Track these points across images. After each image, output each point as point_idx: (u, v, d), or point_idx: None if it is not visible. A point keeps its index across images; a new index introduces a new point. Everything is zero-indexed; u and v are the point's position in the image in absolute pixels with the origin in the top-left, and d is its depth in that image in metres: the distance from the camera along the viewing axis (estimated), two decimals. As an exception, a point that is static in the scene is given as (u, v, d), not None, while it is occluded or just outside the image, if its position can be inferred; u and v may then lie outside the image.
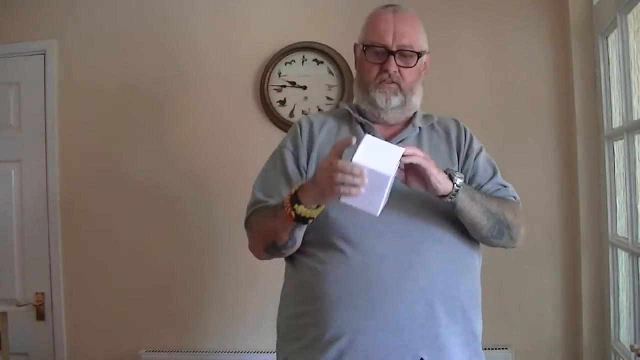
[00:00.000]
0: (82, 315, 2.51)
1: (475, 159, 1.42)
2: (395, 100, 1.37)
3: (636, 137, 1.82)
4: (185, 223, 2.46)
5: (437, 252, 1.30)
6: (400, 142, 1.38)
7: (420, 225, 1.30)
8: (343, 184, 1.10)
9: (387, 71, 1.35)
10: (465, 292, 1.33)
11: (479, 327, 1.38)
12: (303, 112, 2.38)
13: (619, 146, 2.01)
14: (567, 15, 2.21)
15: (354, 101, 1.49)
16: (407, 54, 1.36)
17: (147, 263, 2.48)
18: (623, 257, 2.00)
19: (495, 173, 1.45)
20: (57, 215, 2.52)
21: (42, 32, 2.54)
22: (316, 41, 2.38)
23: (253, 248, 1.40)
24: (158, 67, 2.49)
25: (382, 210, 1.16)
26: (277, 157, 1.44)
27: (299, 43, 2.39)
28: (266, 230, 1.31)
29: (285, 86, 2.42)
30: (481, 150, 1.46)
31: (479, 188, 1.39)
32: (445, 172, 1.25)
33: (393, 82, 1.36)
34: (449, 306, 1.29)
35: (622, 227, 2.02)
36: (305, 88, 2.41)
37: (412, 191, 1.26)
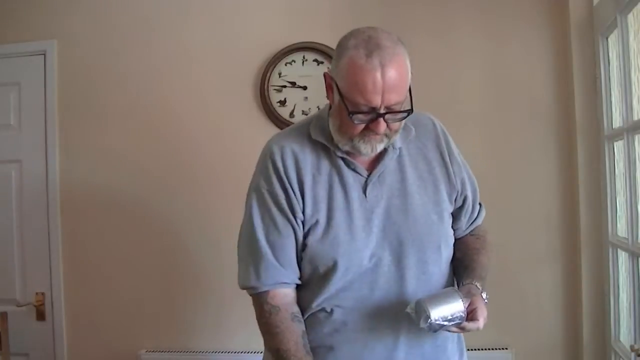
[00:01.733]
0: (82, 315, 2.51)
1: (458, 167, 1.39)
2: (381, 146, 1.26)
3: (636, 137, 1.82)
4: (185, 223, 2.46)
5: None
6: (380, 175, 1.31)
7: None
8: None
9: (374, 130, 1.21)
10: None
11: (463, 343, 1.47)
12: (303, 112, 2.38)
13: (619, 146, 2.01)
14: (567, 15, 2.21)
15: (329, 130, 1.32)
16: (395, 109, 1.20)
17: (147, 263, 2.48)
18: (623, 257, 2.00)
19: (473, 186, 1.42)
20: (57, 216, 2.52)
21: (42, 32, 2.54)
22: (316, 41, 2.38)
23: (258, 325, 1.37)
24: (158, 68, 2.49)
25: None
26: (271, 206, 1.30)
27: (299, 43, 2.39)
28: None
29: (285, 86, 2.42)
30: (458, 154, 1.42)
31: (463, 209, 1.41)
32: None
33: (379, 135, 1.24)
34: (439, 339, 1.34)
35: (622, 227, 2.02)
36: (305, 88, 2.41)
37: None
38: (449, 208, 1.36)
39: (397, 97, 1.18)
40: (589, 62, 2.17)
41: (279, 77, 2.42)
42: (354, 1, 2.39)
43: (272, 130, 2.38)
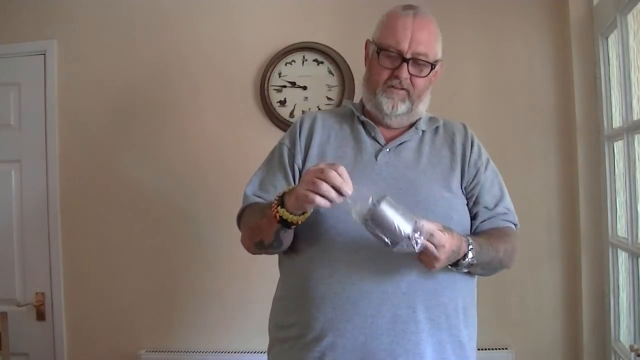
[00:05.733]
0: (82, 315, 2.51)
1: (484, 172, 1.39)
2: (402, 107, 1.34)
3: (636, 137, 1.82)
4: (185, 223, 2.46)
5: None
6: (400, 144, 1.37)
7: None
8: (321, 194, 1.09)
9: (397, 77, 1.31)
10: (451, 299, 1.30)
11: (467, 336, 1.33)
12: (303, 112, 2.38)
13: (619, 146, 2.01)
14: (567, 15, 2.21)
15: (360, 98, 1.46)
16: (420, 62, 1.32)
17: (147, 263, 2.48)
18: (623, 257, 2.00)
19: (502, 194, 1.41)
20: (57, 215, 2.52)
21: (42, 32, 2.54)
22: (316, 41, 2.38)
23: (243, 242, 1.39)
24: (158, 68, 2.48)
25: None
26: (275, 152, 1.44)
27: (299, 43, 2.39)
28: (255, 227, 1.31)
29: (285, 86, 2.42)
30: (488, 162, 1.43)
31: (485, 207, 1.37)
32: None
33: (402, 88, 1.33)
34: (431, 312, 1.26)
35: (622, 227, 2.02)
36: (305, 88, 2.41)
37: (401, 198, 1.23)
38: (460, 193, 1.35)
39: (424, 48, 1.31)
40: (589, 62, 2.17)
41: (279, 77, 2.42)
42: (354, 1, 2.39)
43: (272, 130, 2.38)
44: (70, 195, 2.53)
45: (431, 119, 1.43)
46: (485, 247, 1.28)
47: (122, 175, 2.50)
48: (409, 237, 1.10)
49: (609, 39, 2.08)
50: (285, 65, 2.41)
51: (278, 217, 1.19)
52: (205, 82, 2.46)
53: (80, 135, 2.53)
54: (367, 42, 1.41)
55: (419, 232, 1.11)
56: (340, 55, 2.35)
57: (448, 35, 2.33)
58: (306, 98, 2.41)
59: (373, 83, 1.35)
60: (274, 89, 2.42)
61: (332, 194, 1.10)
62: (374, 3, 2.37)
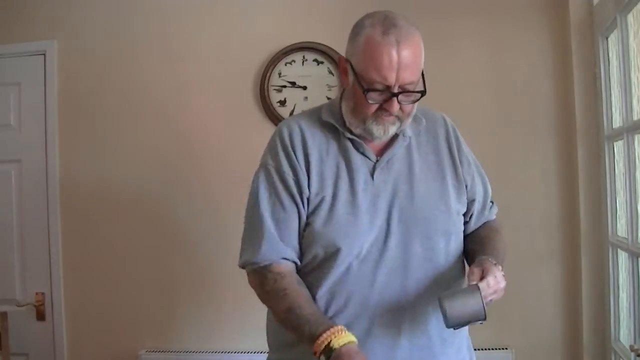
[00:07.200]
0: (82, 315, 2.51)
1: (468, 165, 1.39)
2: (393, 129, 1.28)
3: (636, 137, 1.82)
4: (185, 223, 2.46)
5: (431, 281, 1.29)
6: (389, 160, 1.33)
7: (418, 253, 1.29)
8: None
9: (387, 110, 1.24)
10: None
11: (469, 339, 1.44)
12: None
13: (619, 146, 2.01)
14: (567, 15, 2.21)
15: (341, 113, 1.34)
16: (409, 89, 1.23)
17: (146, 263, 2.48)
18: (623, 257, 2.00)
19: (485, 186, 1.43)
20: (57, 216, 2.52)
21: (42, 32, 2.54)
22: (316, 41, 2.38)
23: (259, 296, 1.34)
24: (158, 67, 2.49)
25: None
26: (278, 183, 1.31)
27: (299, 43, 2.39)
28: (284, 324, 1.27)
29: (285, 86, 2.42)
30: (468, 152, 1.43)
31: (475, 203, 1.40)
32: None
33: (392, 116, 1.26)
34: (443, 334, 1.30)
35: (622, 227, 2.02)
36: (305, 88, 2.41)
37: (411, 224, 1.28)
38: (455, 202, 1.35)
39: (411, 76, 1.21)
40: (589, 62, 2.17)
41: (279, 77, 2.42)
42: (353, 2, 2.38)
43: (272, 130, 2.36)
44: (70, 195, 2.53)
45: (414, 119, 1.35)
46: (501, 257, 1.32)
47: (122, 176, 2.50)
48: (483, 305, 1.15)
49: (609, 39, 2.08)
50: (285, 65, 2.41)
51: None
52: (205, 82, 2.46)
53: (80, 135, 2.53)
54: (342, 60, 1.31)
55: (484, 297, 1.16)
56: (340, 55, 2.35)
57: (448, 35, 2.36)
58: (306, 98, 2.41)
59: (361, 114, 1.27)
60: (274, 89, 2.42)
61: None
62: (374, 3, 2.38)
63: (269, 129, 2.37)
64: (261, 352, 2.31)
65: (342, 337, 1.14)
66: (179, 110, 2.48)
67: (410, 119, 1.31)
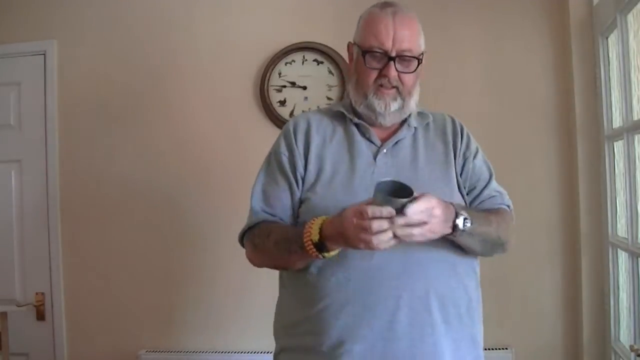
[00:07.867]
0: (82, 315, 2.51)
1: (473, 159, 1.41)
2: (394, 105, 1.34)
3: (636, 137, 1.82)
4: (185, 223, 2.46)
5: (433, 259, 1.28)
6: (396, 143, 1.38)
7: None
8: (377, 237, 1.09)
9: (386, 76, 1.32)
10: (463, 297, 1.31)
11: (478, 333, 1.36)
12: (303, 112, 2.38)
13: (619, 146, 2.01)
14: (567, 15, 2.21)
15: (349, 98, 1.43)
16: (406, 59, 1.32)
17: (146, 263, 2.48)
18: (623, 257, 2.00)
19: (490, 177, 1.44)
20: (57, 215, 2.52)
21: (42, 32, 2.54)
22: (316, 41, 2.38)
23: (253, 261, 1.39)
24: (158, 67, 2.49)
25: None
26: (272, 161, 1.41)
27: (299, 43, 2.39)
28: (279, 257, 1.30)
29: (285, 86, 2.42)
30: (477, 150, 1.45)
31: (474, 192, 1.40)
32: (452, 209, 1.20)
33: (392, 87, 1.33)
34: (446, 312, 1.28)
35: (622, 227, 2.02)
36: (305, 88, 2.41)
37: None
38: (458, 193, 1.36)
39: (407, 44, 1.31)
40: (589, 62, 2.17)
41: (279, 77, 2.42)
42: (354, 1, 2.38)
43: (272, 130, 2.38)
44: (70, 195, 2.53)
45: (420, 115, 1.43)
46: (475, 212, 1.29)
47: (122, 176, 2.50)
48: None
49: (609, 39, 2.08)
50: (285, 65, 2.41)
51: (321, 255, 1.19)
52: (205, 82, 2.46)
53: (80, 135, 2.53)
54: (350, 45, 1.41)
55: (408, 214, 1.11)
56: (340, 55, 2.35)
57: (448, 35, 2.36)
58: (306, 98, 2.41)
59: (363, 86, 1.35)
60: (274, 89, 2.42)
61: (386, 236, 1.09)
62: (374, 3, 2.38)
63: (268, 129, 2.39)
64: (262, 352, 2.33)
65: (317, 221, 1.19)
66: (179, 110, 2.48)
67: (411, 99, 1.36)
